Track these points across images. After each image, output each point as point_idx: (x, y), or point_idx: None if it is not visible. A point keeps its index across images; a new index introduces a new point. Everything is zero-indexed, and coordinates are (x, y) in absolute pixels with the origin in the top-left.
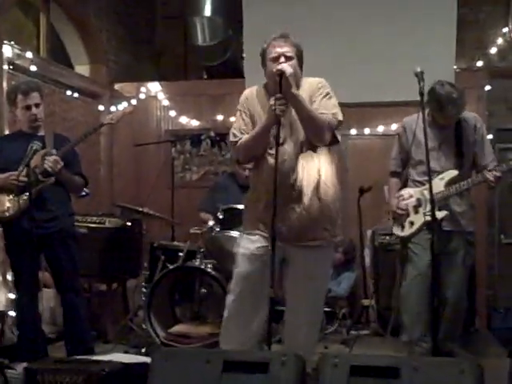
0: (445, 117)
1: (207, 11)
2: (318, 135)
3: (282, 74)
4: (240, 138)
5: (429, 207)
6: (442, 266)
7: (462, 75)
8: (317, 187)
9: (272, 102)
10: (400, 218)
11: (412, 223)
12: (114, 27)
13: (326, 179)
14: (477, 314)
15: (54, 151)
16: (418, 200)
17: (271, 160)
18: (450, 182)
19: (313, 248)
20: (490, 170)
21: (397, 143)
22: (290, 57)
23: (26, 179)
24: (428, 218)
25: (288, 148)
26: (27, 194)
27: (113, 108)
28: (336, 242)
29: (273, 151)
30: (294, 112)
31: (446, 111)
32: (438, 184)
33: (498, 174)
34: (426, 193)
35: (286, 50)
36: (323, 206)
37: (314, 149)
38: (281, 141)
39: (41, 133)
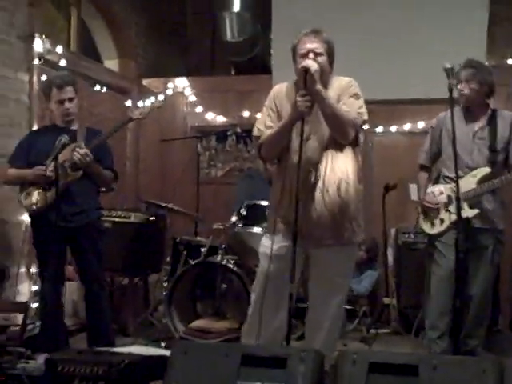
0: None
1: (236, 7)
2: (341, 132)
3: (306, 70)
4: (262, 133)
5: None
6: (470, 263)
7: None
8: (339, 186)
9: (297, 98)
10: (430, 215)
11: (442, 221)
12: (143, 22)
13: (349, 178)
14: (500, 314)
15: (83, 144)
16: (449, 197)
17: (294, 156)
18: (483, 180)
19: (334, 247)
20: None
21: (429, 137)
22: (320, 53)
23: (53, 173)
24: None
25: (312, 145)
26: (55, 187)
27: (140, 103)
28: (358, 241)
29: (296, 148)
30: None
31: (459, 75)
32: (470, 181)
33: None
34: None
35: (316, 46)
36: (344, 206)
37: (338, 147)
38: (305, 137)
39: (74, 127)
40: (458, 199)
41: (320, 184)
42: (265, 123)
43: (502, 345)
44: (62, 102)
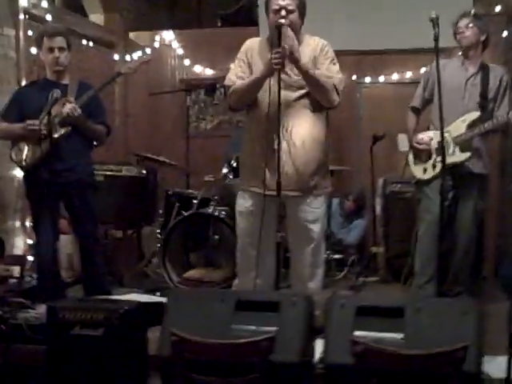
0: (458, 29)
1: None
2: (327, 98)
3: (280, 27)
4: (234, 83)
5: (452, 149)
6: (457, 209)
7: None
8: (304, 139)
9: (271, 55)
10: (421, 160)
11: (434, 166)
12: None
13: (314, 134)
14: (484, 262)
15: (72, 99)
16: (439, 143)
17: (263, 109)
18: (472, 124)
19: (299, 197)
20: None
21: (422, 81)
22: (291, 10)
23: (44, 128)
24: (453, 160)
25: (282, 99)
26: (45, 142)
27: (127, 57)
28: (323, 193)
29: (265, 100)
30: (293, 68)
31: (459, 23)
32: (460, 126)
33: None
34: (447, 134)
35: (288, 2)
36: (308, 159)
37: (308, 103)
38: (275, 91)
39: (65, 81)
40: (442, 148)
41: (287, 136)
42: (236, 74)
43: (485, 291)
44: (51, 50)
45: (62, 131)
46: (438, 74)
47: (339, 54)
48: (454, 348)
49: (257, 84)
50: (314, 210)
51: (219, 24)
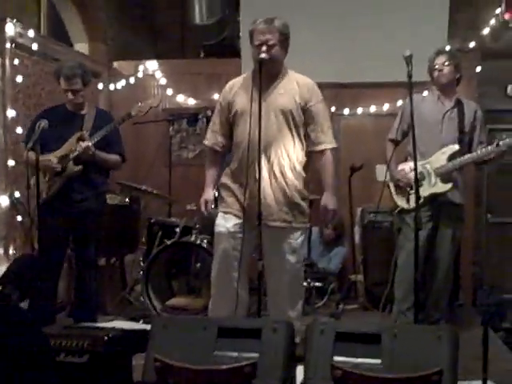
0: (431, 71)
1: None
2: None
3: (261, 61)
4: (208, 146)
5: (433, 180)
6: (436, 239)
7: None
8: (284, 171)
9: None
10: (403, 191)
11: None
12: (113, 5)
13: (295, 165)
14: (461, 290)
15: (87, 136)
16: (421, 173)
17: (245, 139)
18: (452, 157)
19: (278, 228)
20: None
21: (399, 114)
22: (272, 44)
23: (58, 166)
24: (435, 190)
25: (264, 130)
26: (60, 178)
27: (111, 86)
28: (301, 227)
29: (247, 131)
30: (273, 98)
31: (435, 60)
32: (440, 158)
33: (503, 148)
34: (428, 166)
35: (269, 37)
36: (288, 191)
37: (289, 135)
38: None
39: (83, 111)
40: (416, 181)
41: (269, 167)
42: (211, 129)
43: (463, 318)
44: (67, 91)
45: (76, 169)
46: (411, 110)
47: (319, 86)
48: (429, 372)
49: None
50: (291, 242)
51: (202, 55)
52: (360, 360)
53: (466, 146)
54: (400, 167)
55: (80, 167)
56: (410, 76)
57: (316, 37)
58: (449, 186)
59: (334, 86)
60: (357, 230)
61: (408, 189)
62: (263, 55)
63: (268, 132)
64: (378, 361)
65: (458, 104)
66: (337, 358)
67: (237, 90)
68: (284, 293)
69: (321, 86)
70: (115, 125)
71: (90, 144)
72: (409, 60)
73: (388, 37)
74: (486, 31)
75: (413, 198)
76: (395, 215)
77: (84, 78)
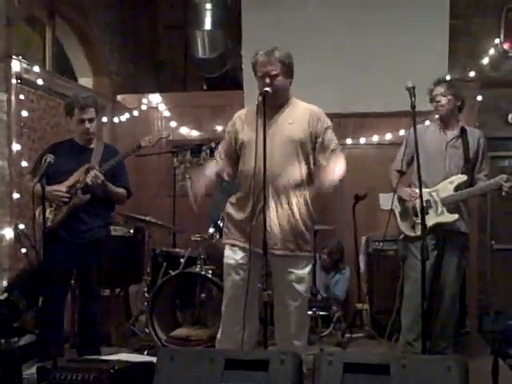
0: (432, 100)
1: (208, 24)
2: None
3: (264, 94)
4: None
5: (440, 208)
6: (442, 267)
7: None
8: (291, 201)
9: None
10: (408, 218)
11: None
12: (117, 39)
13: (302, 195)
14: (467, 317)
15: (97, 166)
16: (427, 201)
17: (252, 167)
18: (459, 187)
19: (283, 256)
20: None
21: (404, 145)
22: (275, 75)
23: (66, 195)
24: (442, 219)
25: (271, 158)
26: (66, 208)
27: (116, 119)
28: (305, 255)
29: (253, 160)
30: (280, 128)
31: (434, 91)
32: (448, 187)
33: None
34: (435, 194)
35: (270, 68)
36: (294, 220)
37: (297, 162)
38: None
39: (92, 145)
40: (422, 210)
41: (275, 197)
42: (219, 152)
43: (470, 346)
44: (83, 121)
45: (84, 198)
46: (415, 141)
47: None
48: None
49: None
50: (297, 271)
51: (205, 87)
52: None
53: (470, 173)
54: (411, 190)
55: (88, 196)
56: (413, 107)
57: (318, 68)
58: (455, 216)
59: (336, 116)
60: (362, 259)
61: (414, 218)
62: (267, 88)
63: (275, 161)
64: None
65: (462, 132)
66: None
67: (243, 120)
68: (291, 322)
69: None
70: (124, 156)
71: (99, 173)
72: (412, 91)
73: (390, 67)
74: (485, 60)
75: (418, 225)
76: (399, 242)
77: (96, 108)
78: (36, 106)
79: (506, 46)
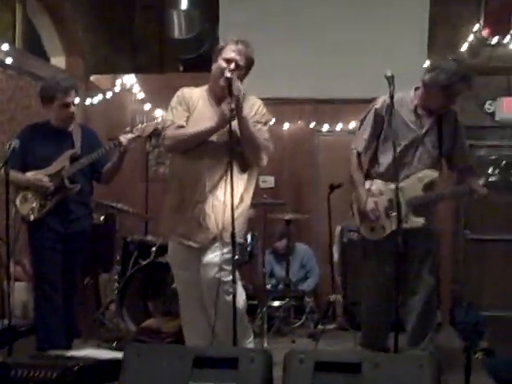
0: (448, 95)
1: (184, 4)
2: (257, 155)
3: (230, 80)
4: (178, 125)
5: (404, 212)
6: (411, 269)
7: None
8: (225, 200)
9: (223, 106)
10: (368, 220)
11: (383, 227)
12: (91, 19)
13: (238, 194)
14: (440, 308)
15: (78, 152)
16: (390, 201)
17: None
18: (429, 185)
19: (214, 250)
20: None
21: (371, 121)
22: (240, 66)
23: (51, 185)
24: (405, 226)
25: (214, 155)
26: (53, 198)
27: (88, 100)
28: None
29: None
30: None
31: (452, 88)
32: (416, 186)
33: (485, 192)
34: (400, 194)
35: (239, 58)
36: (228, 218)
37: (237, 163)
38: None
39: (70, 128)
40: (397, 203)
41: (213, 192)
42: (179, 116)
43: (441, 339)
44: (67, 105)
45: (74, 189)
46: (393, 134)
47: (298, 101)
48: None
49: (208, 134)
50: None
51: (181, 69)
52: None
53: (444, 153)
54: (366, 186)
55: (78, 185)
56: (391, 96)
57: (295, 52)
58: (420, 220)
59: (313, 101)
60: (335, 249)
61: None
62: (228, 74)
63: (217, 159)
64: None
65: (438, 119)
66: None
67: (195, 103)
68: (227, 320)
69: (300, 101)
70: (115, 145)
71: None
72: (391, 80)
73: (368, 53)
74: (464, 48)
75: (379, 228)
76: (357, 239)
77: (77, 89)
78: (5, 86)
79: (485, 33)
